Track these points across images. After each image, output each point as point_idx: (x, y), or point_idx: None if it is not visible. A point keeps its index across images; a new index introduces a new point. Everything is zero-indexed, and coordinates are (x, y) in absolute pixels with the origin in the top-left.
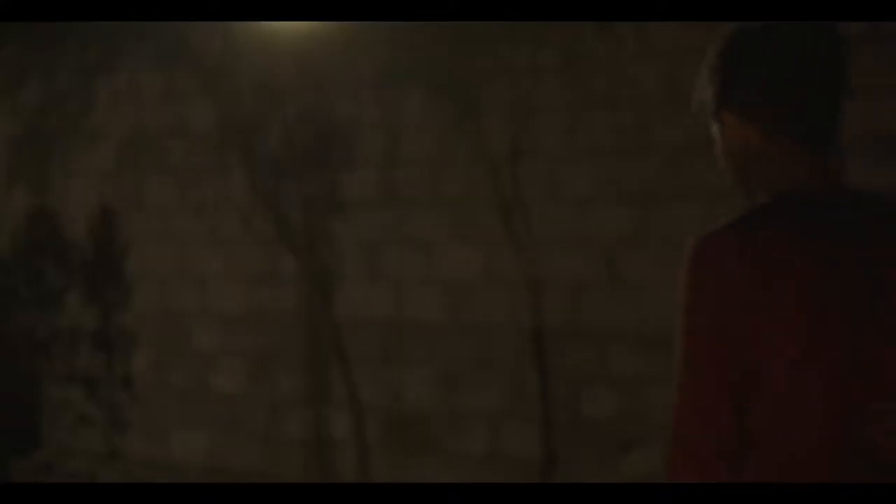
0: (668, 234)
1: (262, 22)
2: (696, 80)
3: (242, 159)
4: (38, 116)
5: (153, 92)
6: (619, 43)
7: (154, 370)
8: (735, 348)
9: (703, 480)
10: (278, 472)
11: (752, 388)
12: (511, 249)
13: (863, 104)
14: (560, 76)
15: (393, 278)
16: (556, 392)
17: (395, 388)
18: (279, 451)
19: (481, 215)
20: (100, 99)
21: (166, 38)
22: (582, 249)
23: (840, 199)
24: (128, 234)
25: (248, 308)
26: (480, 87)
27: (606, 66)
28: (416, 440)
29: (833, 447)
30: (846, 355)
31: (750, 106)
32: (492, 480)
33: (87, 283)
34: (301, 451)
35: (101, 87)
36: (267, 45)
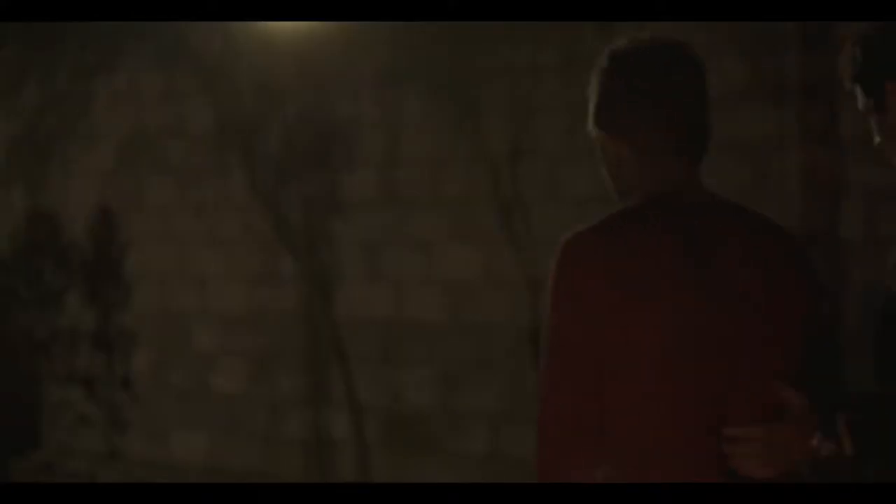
0: None
1: (262, 22)
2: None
3: (242, 159)
4: (37, 116)
5: (153, 92)
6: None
7: (154, 370)
8: (597, 340)
9: (562, 457)
10: (278, 472)
11: (612, 376)
12: (511, 249)
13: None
14: (560, 76)
15: (393, 278)
16: None
17: (395, 387)
18: (279, 451)
19: (481, 215)
20: (99, 99)
21: (166, 38)
22: None
23: (703, 204)
24: (128, 235)
25: (248, 308)
26: (480, 87)
27: None
28: (415, 440)
29: (690, 444)
30: (705, 352)
31: (618, 124)
32: (491, 481)
33: (86, 284)
34: (301, 451)
35: (100, 87)
36: (267, 45)
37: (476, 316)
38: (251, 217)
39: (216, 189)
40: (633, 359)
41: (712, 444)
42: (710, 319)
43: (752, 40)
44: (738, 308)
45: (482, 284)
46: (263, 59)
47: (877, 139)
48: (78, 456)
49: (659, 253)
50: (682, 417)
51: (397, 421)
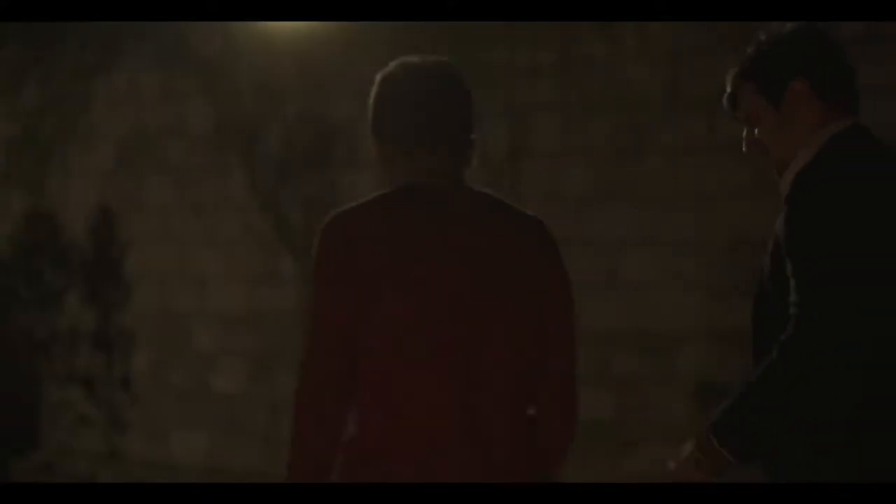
0: (666, 235)
1: (262, 22)
2: None
3: (242, 159)
4: (37, 117)
5: (153, 92)
6: (617, 43)
7: (154, 370)
8: (350, 318)
9: (314, 405)
10: (278, 472)
11: (366, 353)
12: None
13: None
14: (559, 77)
15: None
16: None
17: None
18: (279, 451)
19: None
20: (99, 99)
21: (166, 38)
22: (581, 250)
23: (457, 195)
24: (127, 235)
25: (248, 308)
26: (479, 87)
27: (605, 67)
28: None
29: (444, 424)
30: (451, 330)
31: (384, 131)
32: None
33: (86, 284)
34: None
35: (100, 87)
36: (267, 45)
37: None
38: (251, 217)
39: (216, 189)
40: (382, 338)
41: (468, 421)
42: (455, 296)
43: (752, 40)
44: (480, 285)
45: None
46: (263, 59)
47: (749, 145)
48: (78, 456)
49: (407, 235)
50: (432, 394)
51: None
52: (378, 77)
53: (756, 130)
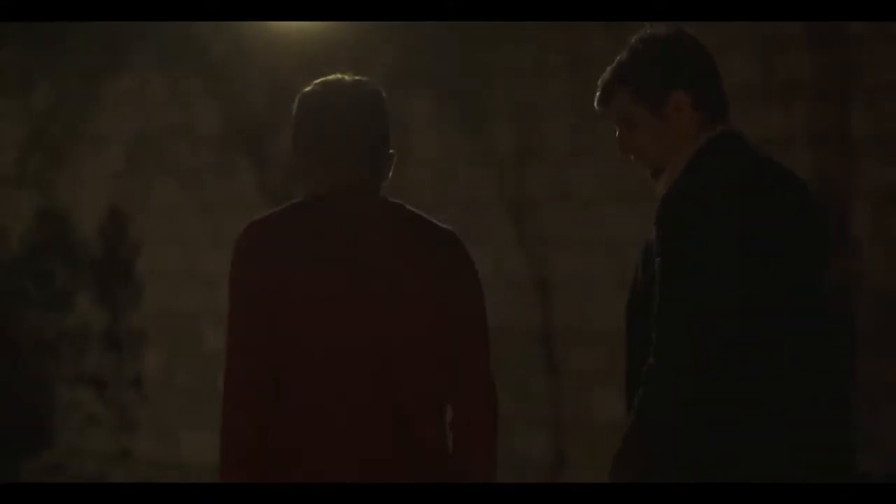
0: None
1: (269, 22)
2: None
3: (251, 160)
4: (46, 118)
5: (161, 93)
6: (625, 43)
7: (163, 370)
8: (261, 329)
9: (237, 407)
10: None
11: (282, 367)
12: (519, 250)
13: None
14: (567, 77)
15: None
16: (565, 393)
17: None
18: None
19: (489, 216)
20: (108, 100)
21: (173, 38)
22: (590, 250)
23: (367, 204)
24: (137, 235)
25: None
26: (488, 88)
27: None
28: None
29: (370, 427)
30: (364, 344)
31: (303, 145)
32: (500, 481)
33: (96, 284)
34: None
35: (108, 88)
36: (275, 45)
37: None
38: None
39: (225, 189)
40: (296, 350)
41: (386, 424)
42: (364, 306)
43: (763, 40)
44: (390, 295)
45: (490, 285)
46: (271, 60)
47: (632, 153)
48: (87, 456)
49: (316, 245)
50: (351, 400)
51: None
52: (299, 95)
53: (631, 134)
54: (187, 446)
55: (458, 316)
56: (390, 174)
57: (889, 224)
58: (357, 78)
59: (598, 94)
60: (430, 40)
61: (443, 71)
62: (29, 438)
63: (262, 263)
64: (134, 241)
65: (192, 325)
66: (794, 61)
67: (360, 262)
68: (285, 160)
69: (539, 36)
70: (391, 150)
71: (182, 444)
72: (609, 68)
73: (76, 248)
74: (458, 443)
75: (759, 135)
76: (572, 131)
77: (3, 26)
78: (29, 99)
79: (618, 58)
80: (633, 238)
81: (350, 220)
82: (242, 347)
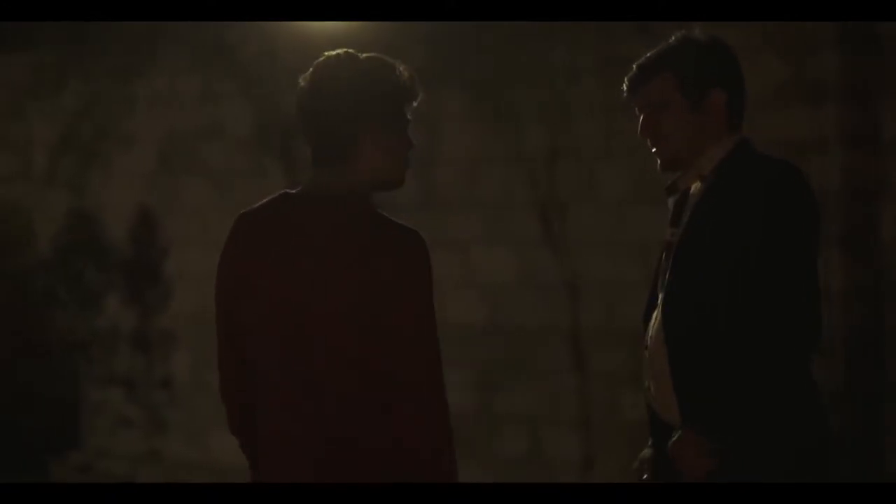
0: None
1: (299, 22)
2: None
3: (281, 161)
4: (78, 118)
5: (192, 94)
6: (656, 43)
7: (193, 371)
8: (232, 324)
9: (232, 426)
10: None
11: (241, 341)
12: (548, 251)
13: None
14: (597, 77)
15: None
16: (594, 394)
17: None
18: None
19: (518, 217)
20: (138, 101)
21: (203, 39)
22: (619, 250)
23: (326, 203)
24: (167, 236)
25: None
26: (518, 88)
27: None
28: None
29: (308, 426)
30: (302, 343)
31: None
32: (529, 482)
33: (126, 285)
34: None
35: (139, 89)
36: (304, 45)
37: (513, 317)
38: None
39: (255, 190)
40: (252, 346)
41: (323, 426)
42: (303, 300)
43: (792, 41)
44: (324, 301)
45: (519, 286)
46: (301, 61)
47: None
48: (117, 457)
49: (268, 239)
50: (293, 401)
51: None
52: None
53: (661, 120)
54: (216, 447)
55: (393, 325)
56: (367, 175)
57: None
58: (336, 53)
59: (634, 74)
60: (460, 40)
61: (473, 71)
62: (58, 439)
63: (230, 256)
64: (164, 242)
65: None
66: (824, 62)
67: (301, 264)
68: None
69: (570, 36)
70: (367, 132)
71: (211, 444)
72: (650, 53)
73: (106, 249)
74: (401, 444)
75: (789, 136)
76: (602, 132)
77: (35, 27)
78: (61, 99)
79: (660, 46)
80: (662, 239)
81: (302, 219)
82: (217, 335)
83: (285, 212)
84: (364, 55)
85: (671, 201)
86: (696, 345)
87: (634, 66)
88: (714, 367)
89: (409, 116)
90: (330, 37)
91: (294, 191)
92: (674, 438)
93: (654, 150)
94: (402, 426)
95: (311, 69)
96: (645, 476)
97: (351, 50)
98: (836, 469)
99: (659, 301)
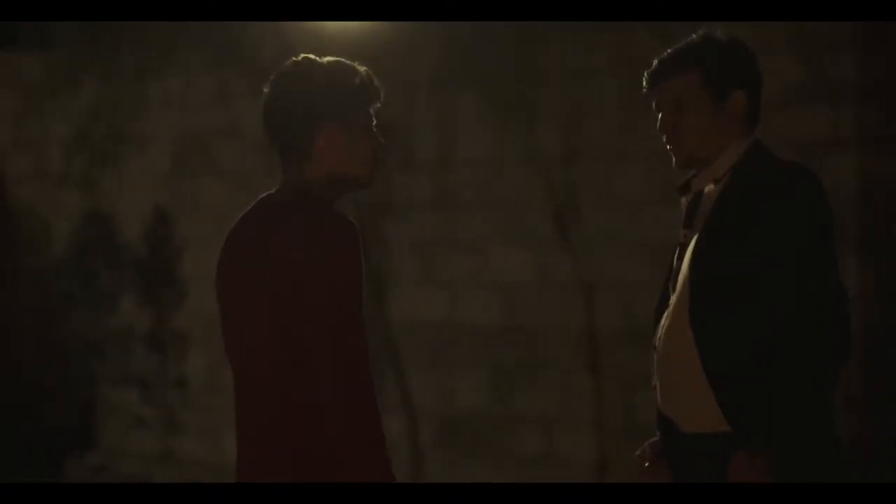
0: None
1: (315, 22)
2: None
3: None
4: (93, 118)
5: (207, 94)
6: (672, 44)
7: (208, 371)
8: (227, 332)
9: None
10: None
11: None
12: (564, 252)
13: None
14: (613, 78)
15: (446, 281)
16: (609, 395)
17: (448, 390)
18: None
19: (534, 218)
20: (154, 101)
21: (219, 39)
22: (635, 251)
23: (282, 204)
24: (182, 236)
25: None
26: (534, 89)
27: None
28: (468, 442)
29: (290, 438)
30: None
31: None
32: (543, 482)
33: (141, 285)
34: None
35: (154, 89)
36: (319, 45)
37: (529, 318)
38: None
39: (269, 191)
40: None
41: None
42: (243, 303)
43: (810, 41)
44: (259, 291)
45: (535, 287)
46: None
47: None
48: (131, 457)
49: (236, 241)
50: (280, 419)
51: (450, 423)
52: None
53: (682, 117)
54: (231, 447)
55: (309, 317)
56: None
57: None
58: (295, 59)
59: (656, 68)
60: (477, 41)
61: (489, 71)
62: (73, 439)
63: (220, 256)
64: (178, 243)
65: None
66: (841, 63)
67: (245, 265)
68: None
69: (585, 37)
70: (322, 132)
71: (226, 444)
72: (673, 49)
73: (121, 249)
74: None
75: (806, 137)
76: (618, 132)
77: (51, 27)
78: (76, 100)
79: (683, 43)
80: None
81: (258, 221)
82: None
83: (251, 214)
84: (325, 59)
85: (683, 201)
86: (728, 349)
87: (656, 60)
88: (749, 374)
89: (373, 117)
90: (345, 37)
91: (272, 192)
92: (732, 464)
93: (669, 146)
94: (326, 422)
95: (272, 75)
96: (647, 464)
97: (311, 55)
98: (853, 471)
99: (670, 302)
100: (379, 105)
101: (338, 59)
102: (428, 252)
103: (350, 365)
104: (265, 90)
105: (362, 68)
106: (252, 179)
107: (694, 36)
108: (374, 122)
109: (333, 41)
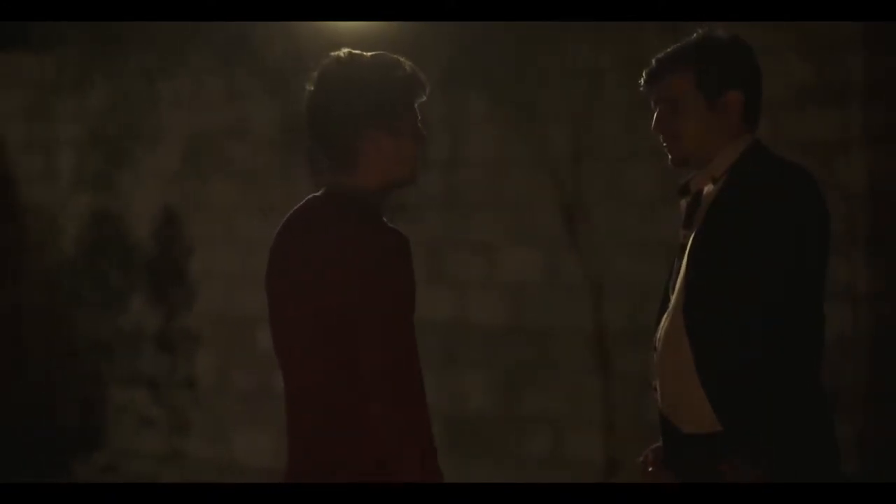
0: None
1: (325, 22)
2: None
3: (306, 160)
4: (103, 117)
5: (218, 93)
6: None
7: (218, 371)
8: (273, 329)
9: None
10: None
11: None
12: (572, 251)
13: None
14: (621, 77)
15: (454, 280)
16: (618, 395)
17: (457, 390)
18: None
19: (542, 217)
20: (164, 100)
21: (229, 39)
22: (643, 251)
23: (318, 208)
24: (191, 236)
25: None
26: (542, 88)
27: None
28: (476, 442)
29: (311, 423)
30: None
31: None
32: (553, 482)
33: (150, 285)
34: None
35: (165, 88)
36: (329, 45)
37: (538, 318)
38: None
39: (281, 190)
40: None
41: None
42: (289, 305)
43: (816, 41)
44: (306, 295)
45: (544, 286)
46: None
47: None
48: (141, 457)
49: (282, 242)
50: (325, 417)
51: (458, 423)
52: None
53: (676, 117)
54: (240, 447)
55: (360, 325)
56: (393, 158)
57: None
58: (338, 54)
59: (653, 67)
60: (485, 41)
61: (498, 71)
62: (82, 439)
63: (270, 259)
64: (189, 242)
65: (245, 327)
66: (848, 63)
67: (292, 269)
68: None
69: (593, 36)
70: (371, 132)
71: (235, 445)
72: (671, 48)
73: (131, 249)
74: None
75: (813, 137)
76: (627, 132)
77: (61, 26)
78: (86, 99)
79: (681, 43)
80: None
81: (306, 224)
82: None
83: (299, 217)
84: (368, 54)
85: (683, 203)
86: (721, 350)
87: (654, 59)
88: (740, 375)
89: (418, 113)
90: (355, 36)
91: (318, 194)
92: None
93: (665, 145)
94: (371, 426)
95: (315, 73)
96: (650, 469)
97: (355, 50)
98: (858, 470)
99: (671, 303)
100: (425, 98)
101: (381, 53)
102: (437, 252)
103: (400, 373)
104: (309, 88)
105: (406, 62)
106: (262, 179)
107: (693, 35)
108: (419, 118)
109: (342, 41)
